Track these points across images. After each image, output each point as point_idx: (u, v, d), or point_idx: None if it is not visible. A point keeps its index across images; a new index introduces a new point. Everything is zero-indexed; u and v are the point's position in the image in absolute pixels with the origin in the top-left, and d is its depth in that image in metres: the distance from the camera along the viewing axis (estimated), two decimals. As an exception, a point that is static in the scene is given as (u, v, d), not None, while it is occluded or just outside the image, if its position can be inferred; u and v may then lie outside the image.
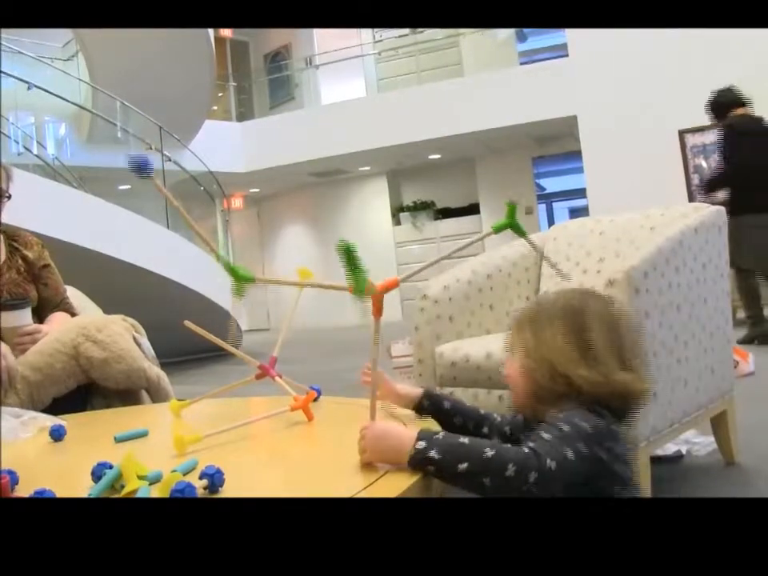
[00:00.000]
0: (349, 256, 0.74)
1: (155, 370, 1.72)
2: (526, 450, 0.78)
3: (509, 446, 0.80)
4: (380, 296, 0.86)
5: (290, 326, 1.36)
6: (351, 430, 0.89)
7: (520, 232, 0.95)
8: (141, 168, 0.92)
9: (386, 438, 0.83)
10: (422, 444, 0.80)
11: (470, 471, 0.77)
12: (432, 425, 1.05)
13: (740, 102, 4.20)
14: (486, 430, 1.09)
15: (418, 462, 0.80)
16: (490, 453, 0.78)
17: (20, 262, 1.88)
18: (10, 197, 1.81)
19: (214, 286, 7.06)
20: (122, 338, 1.69)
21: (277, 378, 1.24)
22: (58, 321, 1.84)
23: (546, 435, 0.81)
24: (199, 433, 1.01)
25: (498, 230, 0.96)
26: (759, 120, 4.21)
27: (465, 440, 0.81)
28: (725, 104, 4.23)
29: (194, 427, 1.22)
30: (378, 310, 0.86)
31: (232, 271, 0.91)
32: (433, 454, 0.79)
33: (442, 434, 0.82)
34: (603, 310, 0.95)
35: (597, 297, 0.98)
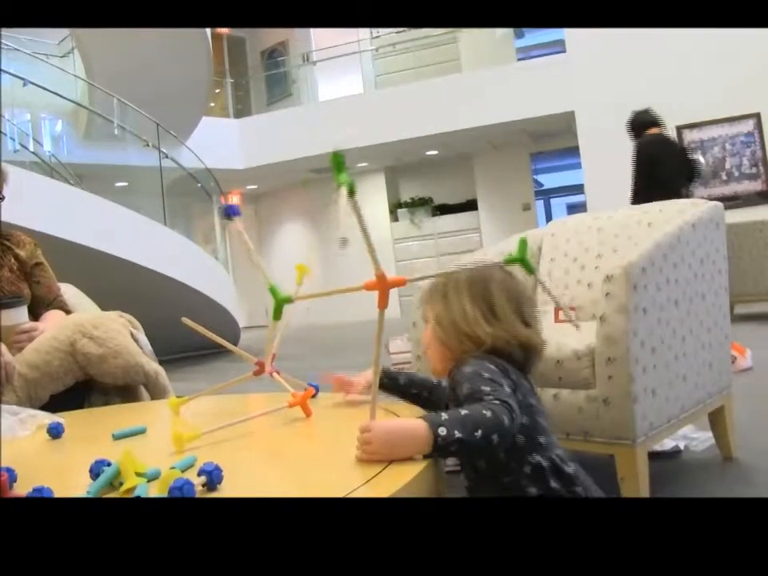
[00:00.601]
0: (338, 163, 0.80)
1: (153, 366, 1.72)
2: (495, 400, 0.87)
3: (491, 404, 0.87)
4: (387, 289, 0.87)
5: (288, 323, 1.36)
6: (349, 427, 0.89)
7: (529, 269, 0.97)
8: (231, 214, 1.15)
9: (394, 434, 0.83)
10: (443, 429, 0.82)
11: (484, 435, 0.83)
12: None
13: (655, 122, 4.52)
14: (438, 394, 1.20)
15: (445, 446, 0.82)
16: (488, 413, 0.85)
17: (12, 260, 1.88)
18: (3, 198, 1.81)
19: (212, 283, 7.06)
20: (119, 334, 1.69)
21: (275, 375, 1.24)
22: (53, 318, 1.84)
23: (485, 387, 0.90)
24: (197, 430, 1.01)
25: (507, 263, 1.00)
26: (668, 139, 4.63)
27: (464, 411, 0.86)
28: (642, 123, 4.55)
29: (192, 424, 1.22)
30: (384, 302, 0.88)
31: (274, 294, 1.04)
32: (457, 434, 0.82)
33: (445, 414, 0.85)
34: (503, 278, 1.06)
35: (498, 268, 1.09)
